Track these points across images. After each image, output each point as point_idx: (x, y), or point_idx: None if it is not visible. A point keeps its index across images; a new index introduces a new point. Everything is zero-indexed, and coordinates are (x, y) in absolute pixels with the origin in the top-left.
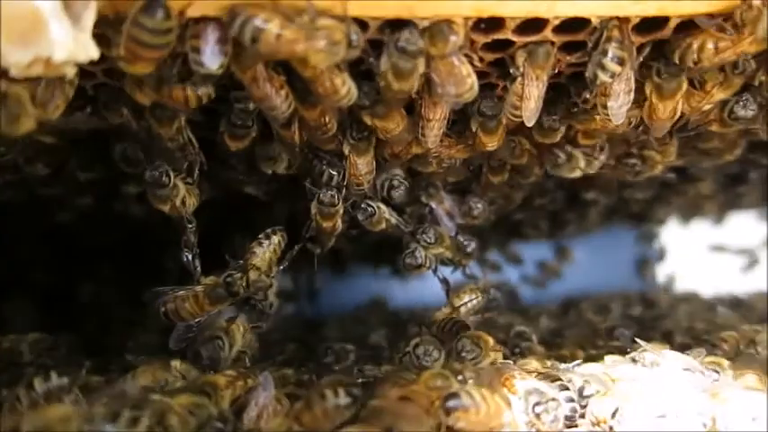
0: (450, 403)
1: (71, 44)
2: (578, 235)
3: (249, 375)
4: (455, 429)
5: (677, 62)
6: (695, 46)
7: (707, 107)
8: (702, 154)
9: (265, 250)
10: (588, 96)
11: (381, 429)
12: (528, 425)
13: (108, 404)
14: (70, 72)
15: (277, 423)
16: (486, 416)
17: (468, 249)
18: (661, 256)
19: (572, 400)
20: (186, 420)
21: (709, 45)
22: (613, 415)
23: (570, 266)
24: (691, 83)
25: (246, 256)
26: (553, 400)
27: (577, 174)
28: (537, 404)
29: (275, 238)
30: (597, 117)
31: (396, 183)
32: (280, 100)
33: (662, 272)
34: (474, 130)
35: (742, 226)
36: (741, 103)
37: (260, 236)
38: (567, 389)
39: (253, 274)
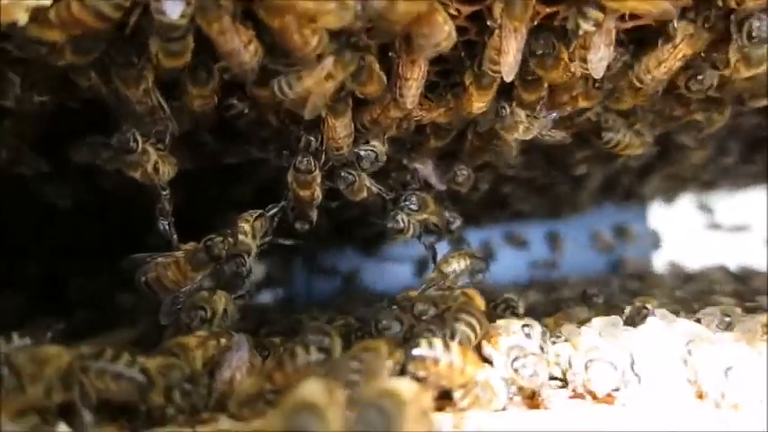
0: (412, 351)
1: None
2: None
3: (222, 335)
4: (418, 377)
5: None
6: None
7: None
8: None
9: (252, 225)
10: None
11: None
12: (508, 381)
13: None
14: (23, 18)
15: (249, 383)
16: (449, 369)
17: (453, 226)
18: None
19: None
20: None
21: None
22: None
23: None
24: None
25: (233, 226)
26: (533, 354)
27: (520, 134)
28: (516, 359)
29: (261, 221)
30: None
31: (362, 153)
32: (248, 55)
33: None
34: (467, 84)
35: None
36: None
37: (246, 213)
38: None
39: (241, 237)
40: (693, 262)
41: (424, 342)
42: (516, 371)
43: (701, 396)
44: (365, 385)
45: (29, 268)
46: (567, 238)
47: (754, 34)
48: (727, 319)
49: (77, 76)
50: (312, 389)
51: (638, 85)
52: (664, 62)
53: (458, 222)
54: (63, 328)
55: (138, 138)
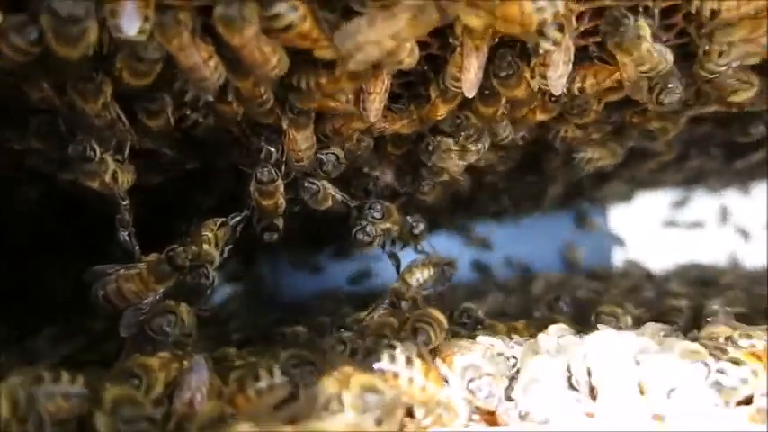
0: (374, 364)
1: None
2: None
3: (185, 357)
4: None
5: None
6: None
7: None
8: None
9: (215, 233)
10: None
11: None
12: (466, 402)
13: None
14: None
15: (210, 407)
16: (410, 385)
17: (416, 231)
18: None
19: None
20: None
21: None
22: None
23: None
24: None
25: (195, 235)
26: (488, 375)
27: (453, 165)
28: (471, 380)
29: (224, 229)
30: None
31: (323, 157)
32: (209, 71)
33: None
34: (433, 97)
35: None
36: None
37: (209, 221)
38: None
39: (204, 246)
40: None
41: (386, 355)
42: (472, 392)
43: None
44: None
45: None
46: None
47: None
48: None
49: (28, 88)
50: None
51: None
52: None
53: (421, 226)
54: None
55: (96, 147)
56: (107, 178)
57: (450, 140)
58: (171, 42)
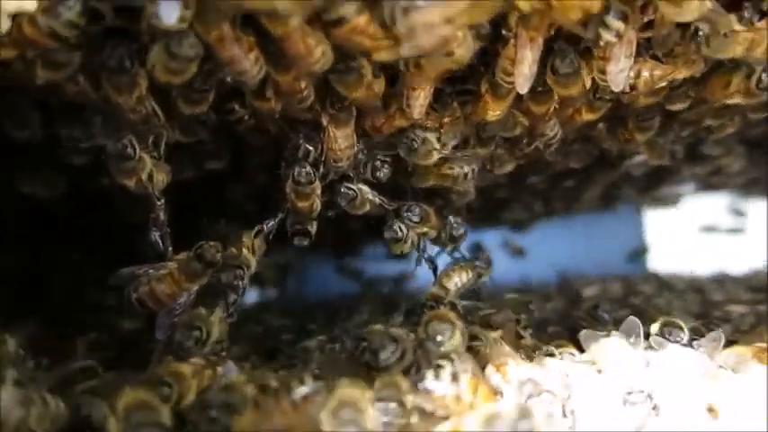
0: (418, 384)
1: None
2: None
3: (219, 363)
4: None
5: None
6: None
7: None
8: None
9: (252, 242)
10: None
11: None
12: None
13: None
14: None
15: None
16: (457, 403)
17: (456, 233)
18: None
19: None
20: None
21: None
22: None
23: None
24: None
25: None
26: (548, 392)
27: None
28: (530, 396)
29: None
30: None
31: (378, 163)
32: (249, 63)
33: None
34: (483, 92)
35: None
36: None
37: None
38: None
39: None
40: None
41: (430, 373)
42: None
43: None
44: None
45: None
46: None
47: None
48: None
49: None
50: None
51: None
52: None
53: (462, 229)
54: None
55: (136, 144)
56: (144, 177)
57: (434, 137)
58: (210, 33)
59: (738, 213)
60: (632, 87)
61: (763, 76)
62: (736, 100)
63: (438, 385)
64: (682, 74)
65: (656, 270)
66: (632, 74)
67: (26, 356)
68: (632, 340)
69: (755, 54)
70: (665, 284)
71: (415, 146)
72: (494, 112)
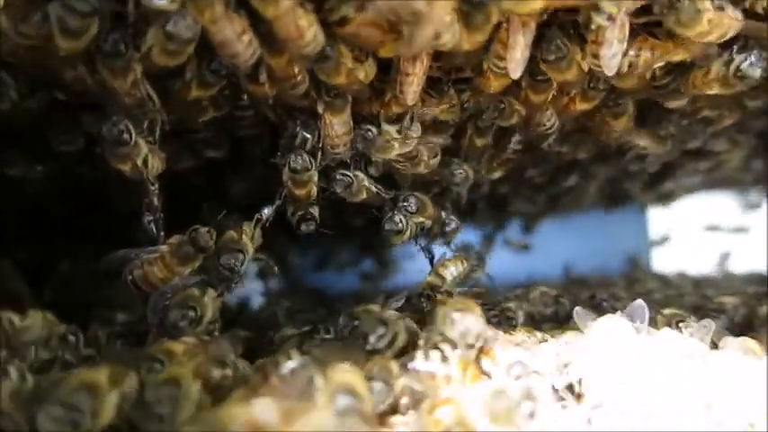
0: (407, 364)
1: None
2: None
3: (211, 342)
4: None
5: None
6: None
7: None
8: None
9: (252, 231)
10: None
11: None
12: None
13: None
14: None
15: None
16: (447, 383)
17: (448, 228)
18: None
19: None
20: None
21: None
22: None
23: None
24: None
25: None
26: (535, 373)
27: (394, 153)
28: (518, 378)
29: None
30: None
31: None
32: (242, 46)
33: None
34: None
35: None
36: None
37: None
38: None
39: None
40: None
41: (419, 354)
42: None
43: None
44: None
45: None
46: None
47: None
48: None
49: (62, 68)
50: None
51: None
52: None
53: (453, 224)
54: None
55: (132, 129)
56: (139, 162)
57: (393, 128)
58: (203, 14)
59: (752, 207)
60: (631, 66)
61: (743, 65)
62: (715, 90)
63: (428, 365)
64: (678, 55)
65: (659, 269)
66: (632, 52)
67: None
68: (636, 324)
69: (711, 37)
70: (666, 281)
71: (371, 136)
72: (495, 88)
